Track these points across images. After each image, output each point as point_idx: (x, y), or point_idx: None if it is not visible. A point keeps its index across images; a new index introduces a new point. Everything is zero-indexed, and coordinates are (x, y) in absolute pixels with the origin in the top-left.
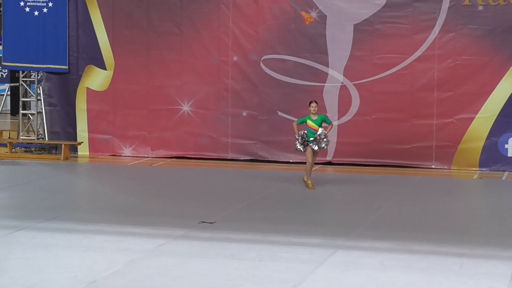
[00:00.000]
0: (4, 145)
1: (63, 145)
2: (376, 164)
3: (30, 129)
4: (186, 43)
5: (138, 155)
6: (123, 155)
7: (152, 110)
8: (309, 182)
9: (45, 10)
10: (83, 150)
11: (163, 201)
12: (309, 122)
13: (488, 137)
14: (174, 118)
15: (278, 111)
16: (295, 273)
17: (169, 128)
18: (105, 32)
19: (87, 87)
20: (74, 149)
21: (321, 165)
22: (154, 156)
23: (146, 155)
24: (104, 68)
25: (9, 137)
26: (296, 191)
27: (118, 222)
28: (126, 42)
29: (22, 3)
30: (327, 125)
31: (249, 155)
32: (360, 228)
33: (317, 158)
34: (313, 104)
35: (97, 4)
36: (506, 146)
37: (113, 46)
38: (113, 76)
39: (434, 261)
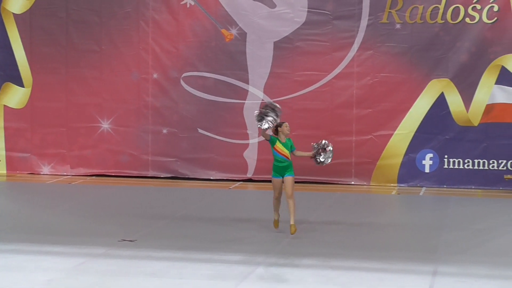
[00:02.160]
0: None
1: None
2: (296, 180)
3: None
4: (105, 61)
5: (57, 173)
6: (41, 173)
7: (71, 128)
8: (276, 218)
9: None
10: (0, 169)
11: (83, 219)
12: (278, 146)
13: (406, 154)
14: (94, 135)
15: (198, 128)
16: None
17: (89, 146)
18: (23, 49)
19: (4, 105)
20: None
21: (241, 182)
22: (74, 174)
23: (65, 173)
24: (22, 86)
25: None
26: (216, 209)
27: (37, 241)
28: (45, 60)
29: None
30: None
31: (169, 172)
32: (281, 244)
33: (238, 175)
34: (286, 124)
35: (14, 21)
36: (423, 162)
37: (31, 64)
38: (31, 93)
39: (354, 276)
